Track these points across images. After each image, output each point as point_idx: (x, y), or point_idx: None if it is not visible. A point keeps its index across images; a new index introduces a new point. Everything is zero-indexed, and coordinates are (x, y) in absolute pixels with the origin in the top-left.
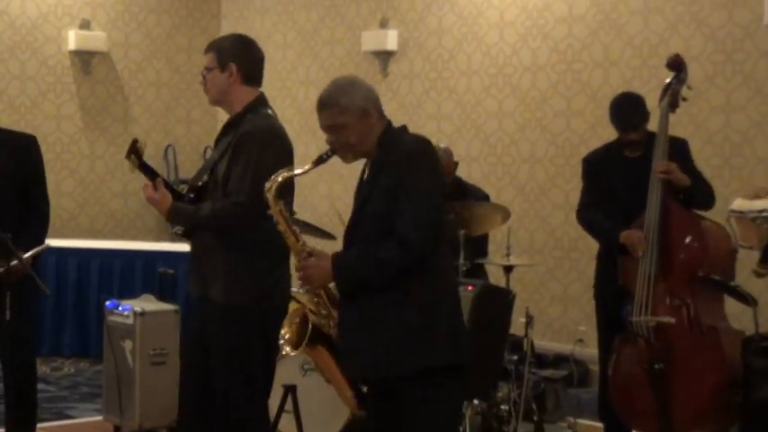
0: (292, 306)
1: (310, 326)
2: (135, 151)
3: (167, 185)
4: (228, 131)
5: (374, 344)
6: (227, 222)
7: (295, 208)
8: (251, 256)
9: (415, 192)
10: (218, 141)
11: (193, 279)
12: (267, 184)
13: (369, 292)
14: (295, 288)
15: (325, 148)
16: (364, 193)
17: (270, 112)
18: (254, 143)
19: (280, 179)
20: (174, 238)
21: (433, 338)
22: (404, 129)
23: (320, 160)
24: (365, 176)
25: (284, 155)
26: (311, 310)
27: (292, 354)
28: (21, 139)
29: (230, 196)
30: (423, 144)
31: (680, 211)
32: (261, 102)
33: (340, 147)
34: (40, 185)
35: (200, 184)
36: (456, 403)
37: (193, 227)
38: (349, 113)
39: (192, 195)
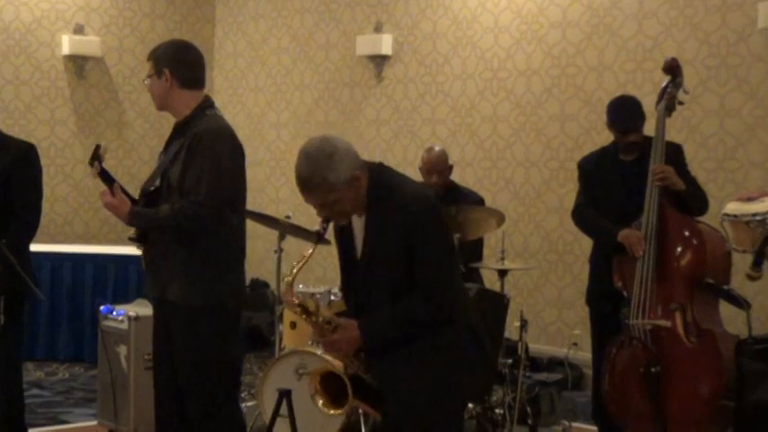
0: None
1: (348, 381)
2: (98, 157)
3: (123, 191)
4: (178, 135)
5: (414, 393)
6: (187, 222)
7: (290, 212)
8: (207, 258)
9: (434, 251)
10: (167, 146)
11: (150, 281)
12: (283, 285)
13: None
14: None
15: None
16: (369, 252)
17: (217, 112)
18: (207, 143)
19: (294, 273)
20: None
21: (468, 373)
22: (390, 174)
23: (321, 237)
24: (364, 232)
25: (237, 153)
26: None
27: (338, 414)
28: (18, 146)
29: (188, 196)
30: (425, 199)
31: (677, 216)
32: (207, 104)
33: (335, 217)
34: (29, 194)
35: (152, 188)
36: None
37: (153, 229)
38: (339, 187)
39: (145, 200)
